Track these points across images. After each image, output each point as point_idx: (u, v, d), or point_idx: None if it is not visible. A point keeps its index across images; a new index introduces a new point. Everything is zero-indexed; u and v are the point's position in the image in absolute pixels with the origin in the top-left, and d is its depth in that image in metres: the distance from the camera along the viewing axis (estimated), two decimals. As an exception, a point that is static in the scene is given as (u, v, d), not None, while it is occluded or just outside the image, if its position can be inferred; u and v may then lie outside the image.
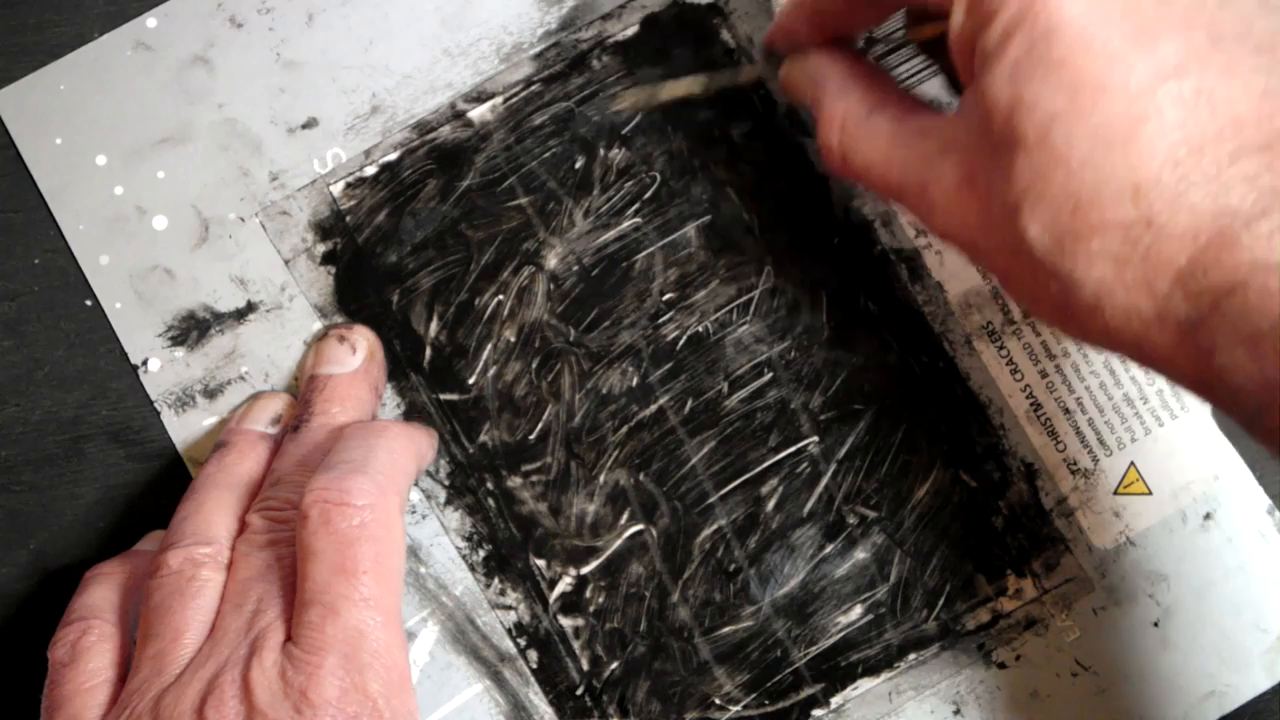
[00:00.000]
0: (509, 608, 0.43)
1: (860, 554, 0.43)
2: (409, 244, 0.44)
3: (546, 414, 0.44)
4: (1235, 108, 0.30)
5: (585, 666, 0.43)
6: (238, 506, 0.39)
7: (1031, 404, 0.44)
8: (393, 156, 0.44)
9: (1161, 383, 0.44)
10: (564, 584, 0.43)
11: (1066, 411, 0.44)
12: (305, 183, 0.44)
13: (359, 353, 0.42)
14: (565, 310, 0.44)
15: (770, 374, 0.44)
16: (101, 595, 0.39)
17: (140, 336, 0.44)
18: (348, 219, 0.44)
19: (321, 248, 0.44)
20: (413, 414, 0.44)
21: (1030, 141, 0.31)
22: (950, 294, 0.44)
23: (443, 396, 0.44)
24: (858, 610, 0.43)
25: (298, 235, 0.44)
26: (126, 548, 0.42)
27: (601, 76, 0.45)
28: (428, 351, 0.44)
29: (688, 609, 0.43)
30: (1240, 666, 0.43)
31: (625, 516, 0.44)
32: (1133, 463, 0.44)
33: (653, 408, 0.44)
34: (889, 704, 0.43)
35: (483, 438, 0.44)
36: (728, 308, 0.44)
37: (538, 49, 0.45)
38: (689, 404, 0.44)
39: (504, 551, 0.43)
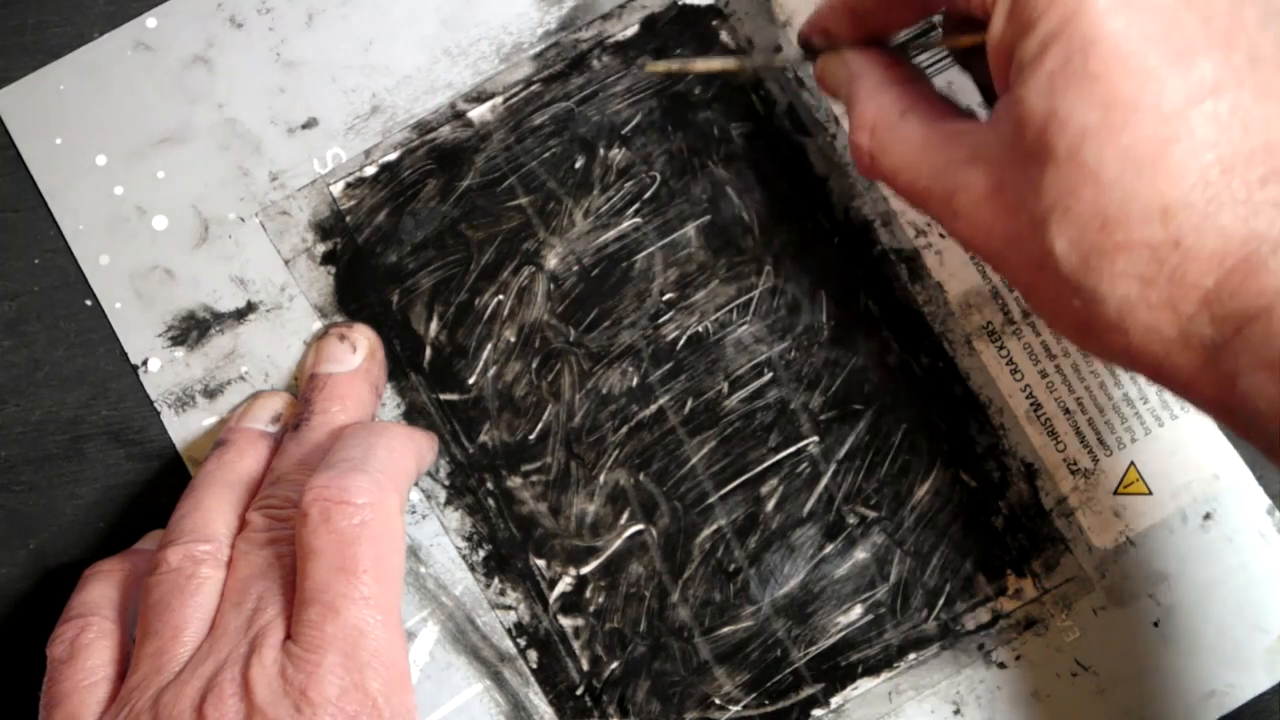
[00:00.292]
0: (509, 608, 0.43)
1: (860, 554, 0.43)
2: (409, 244, 0.44)
3: (546, 414, 0.44)
4: (1270, 131, 0.30)
5: (585, 666, 0.43)
6: (237, 504, 0.39)
7: (1031, 404, 0.44)
8: (393, 156, 0.44)
9: (1161, 382, 0.44)
10: (564, 584, 0.43)
11: (1066, 411, 0.44)
12: (305, 183, 0.44)
13: (359, 351, 0.42)
14: (565, 310, 0.44)
15: (770, 374, 0.44)
16: (100, 592, 0.39)
17: (140, 336, 0.44)
18: (348, 219, 0.44)
19: (321, 248, 0.44)
20: (413, 414, 0.44)
21: (1061, 156, 0.31)
22: (950, 294, 0.44)
23: (443, 396, 0.44)
24: (858, 610, 0.43)
25: (298, 235, 0.44)
26: (126, 547, 0.42)
27: (601, 76, 0.45)
28: (428, 351, 0.44)
29: (688, 609, 0.43)
30: (1240, 666, 0.43)
31: (625, 516, 0.43)
32: (1133, 463, 0.44)
33: (653, 408, 0.44)
34: (889, 704, 0.43)
35: (483, 438, 0.44)
36: (728, 308, 0.44)
37: (538, 49, 0.45)
38: (689, 404, 0.44)
39: (504, 551, 0.43)
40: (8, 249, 0.44)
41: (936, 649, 0.43)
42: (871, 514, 0.44)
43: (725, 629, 0.43)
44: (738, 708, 0.43)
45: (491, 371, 0.44)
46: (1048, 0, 0.31)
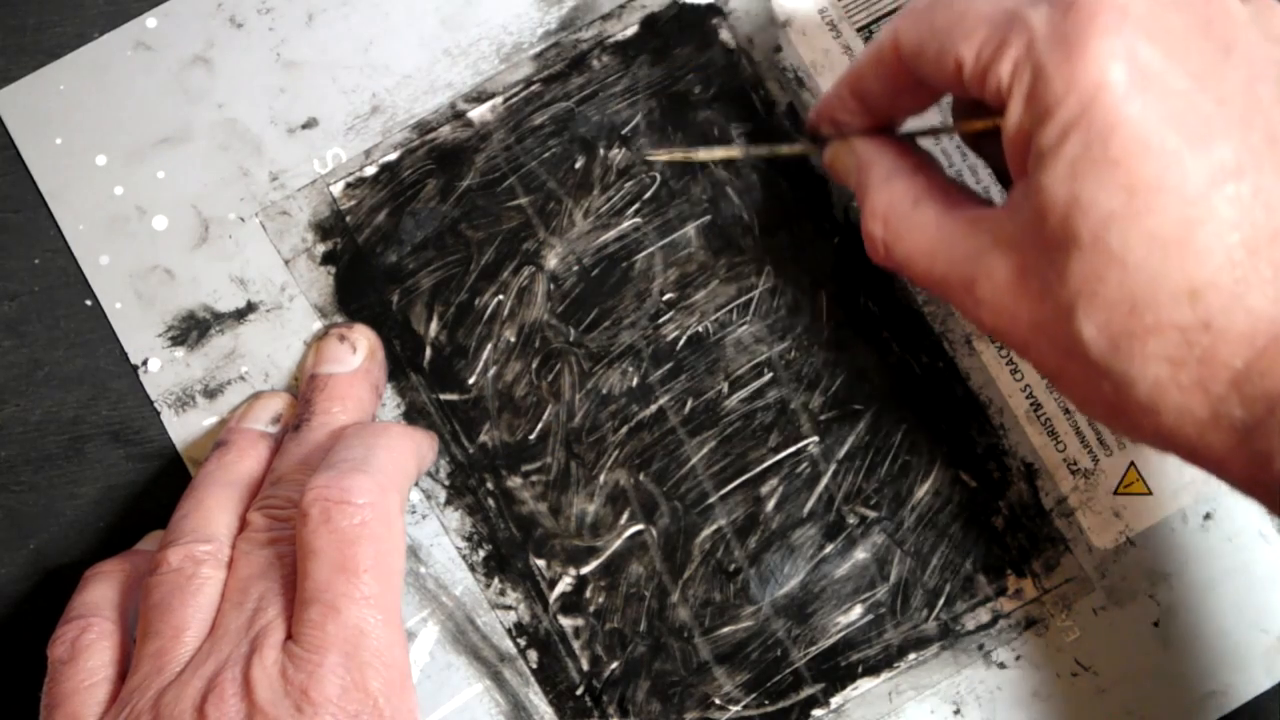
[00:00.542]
0: (509, 608, 0.43)
1: (860, 554, 0.43)
2: (409, 244, 0.44)
3: (546, 414, 0.44)
4: None
5: (585, 666, 0.43)
6: (238, 505, 0.39)
7: (1031, 404, 0.44)
8: (393, 156, 0.44)
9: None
10: (564, 584, 0.43)
11: (1066, 411, 0.44)
12: (305, 183, 0.44)
13: (359, 352, 0.42)
14: (565, 310, 0.44)
15: (770, 374, 0.44)
16: (101, 593, 0.39)
17: (140, 336, 0.44)
18: (348, 219, 0.44)
19: (321, 248, 0.44)
20: (413, 414, 0.44)
21: (1086, 241, 0.31)
22: (950, 294, 0.44)
23: (443, 396, 0.44)
24: (858, 610, 0.43)
25: (298, 235, 0.44)
26: (126, 547, 0.42)
27: (601, 76, 0.45)
28: (428, 351, 0.44)
29: (688, 609, 0.43)
30: (1240, 666, 0.43)
31: (625, 516, 0.43)
32: (1133, 463, 0.44)
33: (653, 408, 0.44)
34: (889, 704, 0.43)
35: (483, 438, 0.44)
36: (728, 308, 0.44)
37: (538, 49, 0.45)
38: (689, 404, 0.44)
39: (504, 551, 0.43)
40: (8, 249, 0.44)
41: (936, 649, 0.43)
42: (871, 514, 0.44)
43: (725, 629, 0.43)
44: (738, 708, 0.43)
45: (491, 371, 0.44)
46: (1065, 87, 0.31)
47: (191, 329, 0.44)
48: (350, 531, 0.36)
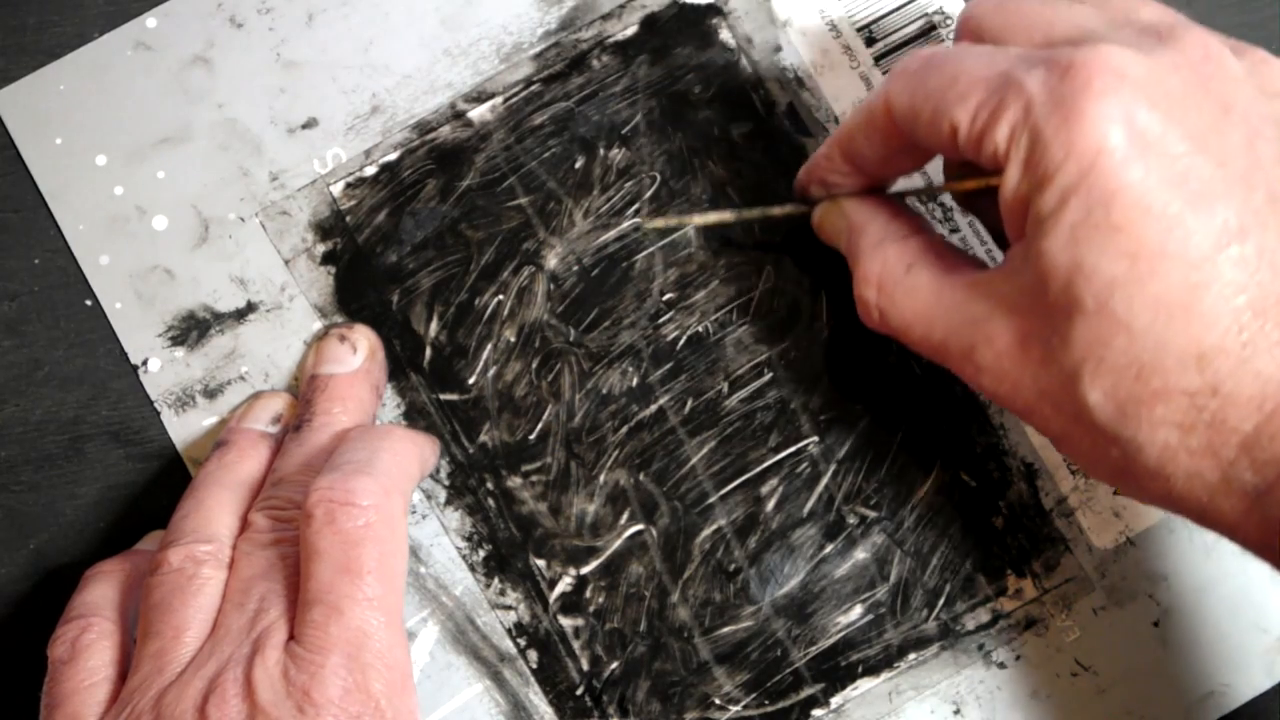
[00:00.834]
0: (509, 608, 0.43)
1: (860, 554, 0.43)
2: (409, 244, 0.44)
3: (546, 414, 0.44)
4: None
5: (585, 666, 0.43)
6: (239, 505, 0.39)
7: (1031, 404, 0.44)
8: (393, 156, 0.44)
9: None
10: (564, 584, 0.43)
11: (1066, 411, 0.44)
12: (305, 183, 0.44)
13: (360, 352, 0.42)
14: (565, 310, 0.44)
15: (770, 374, 0.44)
16: (101, 593, 0.39)
17: (140, 336, 0.44)
18: (348, 219, 0.44)
19: (321, 248, 0.44)
20: (413, 414, 0.44)
21: (1090, 307, 0.31)
22: (950, 294, 0.44)
23: (443, 396, 0.44)
24: (858, 610, 0.43)
25: (298, 235, 0.44)
26: (126, 547, 0.42)
27: (601, 76, 0.45)
28: (428, 351, 0.44)
29: (688, 609, 0.43)
30: (1240, 666, 0.43)
31: (625, 516, 0.44)
32: (1132, 463, 0.44)
33: (653, 408, 0.44)
34: (889, 704, 0.43)
35: (483, 438, 0.44)
36: (728, 308, 0.44)
37: (538, 49, 0.45)
38: (689, 404, 0.44)
39: (504, 551, 0.43)
40: (8, 249, 0.44)
41: (936, 649, 0.43)
42: (871, 514, 0.44)
43: (725, 629, 0.43)
44: (738, 708, 0.43)
45: (491, 371, 0.44)
46: (1064, 153, 0.31)
47: (191, 329, 0.44)
48: (354, 533, 0.36)
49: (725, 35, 0.45)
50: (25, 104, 0.44)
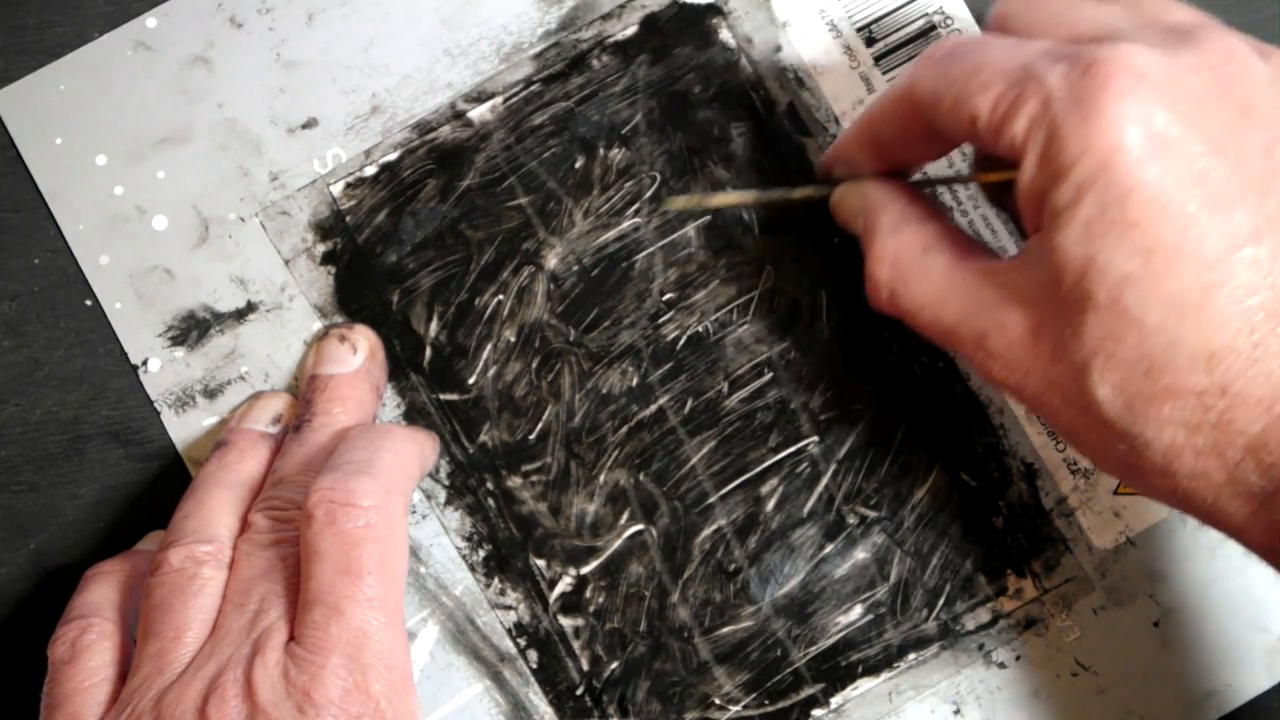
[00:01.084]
0: (509, 608, 0.43)
1: (860, 554, 0.43)
2: (409, 244, 0.44)
3: (546, 414, 0.44)
4: None
5: (585, 666, 0.43)
6: (239, 505, 0.39)
7: (1031, 404, 0.44)
8: (393, 156, 0.44)
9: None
10: (564, 584, 0.43)
11: (1066, 411, 0.44)
12: (305, 183, 0.44)
13: (360, 352, 0.42)
14: (565, 310, 0.44)
15: (770, 374, 0.44)
16: (101, 593, 0.39)
17: (140, 336, 0.44)
18: (348, 219, 0.44)
19: (321, 248, 0.44)
20: (413, 414, 0.44)
21: (1102, 303, 0.31)
22: (950, 294, 0.44)
23: (443, 396, 0.44)
24: (858, 610, 0.43)
25: (298, 235, 0.44)
26: (126, 548, 0.42)
27: (601, 76, 0.45)
28: (428, 351, 0.44)
29: (688, 609, 0.43)
30: (1240, 666, 0.43)
31: (625, 516, 0.44)
32: (1132, 463, 0.44)
33: (653, 408, 0.44)
34: (889, 704, 0.43)
35: (483, 438, 0.44)
36: (728, 308, 0.44)
37: (538, 49, 0.45)
38: (689, 404, 0.44)
39: (504, 551, 0.43)
40: (8, 249, 0.44)
41: (936, 649, 0.43)
42: (871, 514, 0.44)
43: (725, 629, 0.43)
44: (738, 708, 0.43)
45: (491, 371, 0.44)
46: (1080, 148, 0.31)
47: (191, 329, 0.44)
48: (355, 534, 0.36)
49: (725, 35, 0.45)
50: (25, 104, 0.44)
